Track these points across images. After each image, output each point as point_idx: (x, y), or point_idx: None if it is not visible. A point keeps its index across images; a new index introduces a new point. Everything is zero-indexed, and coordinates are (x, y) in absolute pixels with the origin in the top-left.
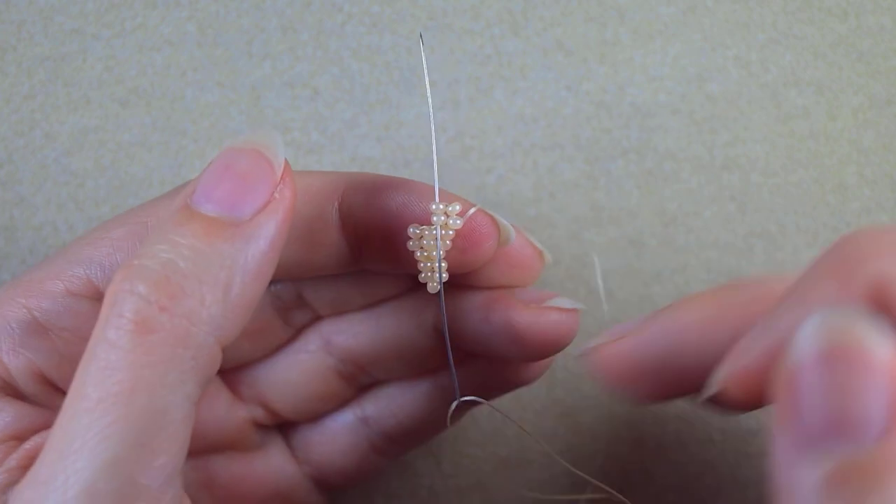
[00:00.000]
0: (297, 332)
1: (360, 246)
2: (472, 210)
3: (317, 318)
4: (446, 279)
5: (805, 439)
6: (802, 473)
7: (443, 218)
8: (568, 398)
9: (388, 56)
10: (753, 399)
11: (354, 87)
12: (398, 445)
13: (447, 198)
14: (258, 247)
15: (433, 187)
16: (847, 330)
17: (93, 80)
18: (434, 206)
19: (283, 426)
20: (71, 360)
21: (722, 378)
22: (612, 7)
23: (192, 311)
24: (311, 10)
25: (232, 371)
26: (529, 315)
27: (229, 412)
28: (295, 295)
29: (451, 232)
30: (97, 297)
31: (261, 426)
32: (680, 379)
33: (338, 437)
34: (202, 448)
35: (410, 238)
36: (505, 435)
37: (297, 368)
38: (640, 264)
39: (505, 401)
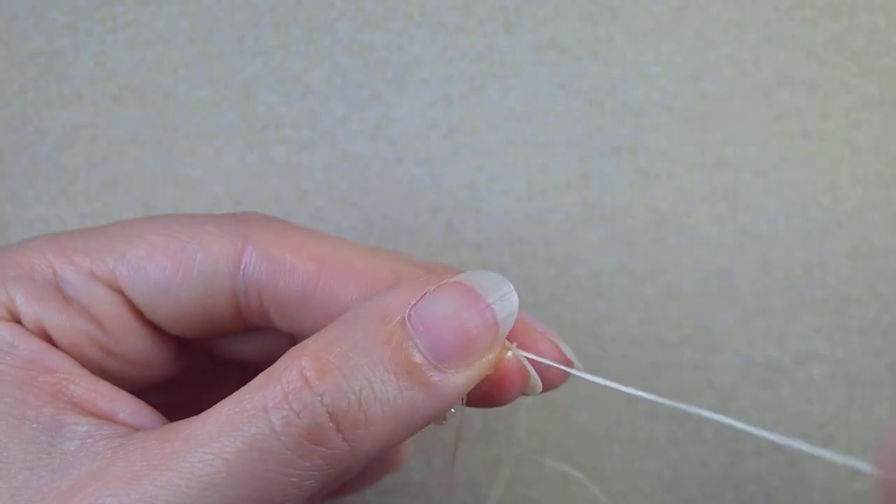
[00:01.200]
0: None
1: None
2: (508, 354)
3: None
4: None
5: None
6: None
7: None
8: (561, 397)
9: (380, 53)
10: None
11: (346, 84)
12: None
13: None
14: (442, 405)
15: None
16: None
17: (85, 75)
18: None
19: None
20: (75, 331)
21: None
22: (604, 5)
23: (361, 440)
24: (302, 7)
25: (251, 371)
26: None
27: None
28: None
29: None
30: (114, 289)
31: None
32: None
33: None
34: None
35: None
36: (495, 432)
37: None
38: (631, 263)
39: None
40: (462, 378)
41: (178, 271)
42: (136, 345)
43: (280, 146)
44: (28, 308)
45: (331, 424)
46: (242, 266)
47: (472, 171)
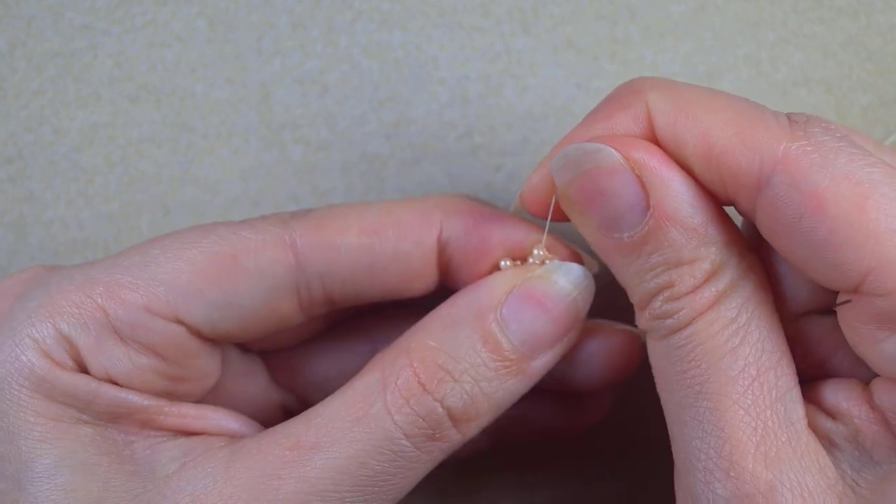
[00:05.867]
0: (346, 329)
1: (448, 273)
2: (546, 262)
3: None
4: None
5: (606, 231)
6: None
7: (540, 254)
8: None
9: (397, 53)
10: (542, 210)
11: (364, 84)
12: None
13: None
14: (531, 384)
15: (530, 224)
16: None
17: (103, 76)
18: (536, 251)
19: None
20: (138, 370)
21: (518, 197)
22: (622, 5)
23: (472, 429)
24: (320, 7)
25: (274, 356)
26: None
27: (264, 394)
28: (323, 299)
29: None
30: (174, 320)
31: (290, 414)
32: None
33: None
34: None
35: (500, 269)
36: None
37: (338, 367)
38: None
39: None
40: (549, 358)
41: (237, 286)
42: (197, 363)
43: (297, 146)
44: (92, 358)
45: (449, 422)
46: (299, 262)
47: (489, 171)
